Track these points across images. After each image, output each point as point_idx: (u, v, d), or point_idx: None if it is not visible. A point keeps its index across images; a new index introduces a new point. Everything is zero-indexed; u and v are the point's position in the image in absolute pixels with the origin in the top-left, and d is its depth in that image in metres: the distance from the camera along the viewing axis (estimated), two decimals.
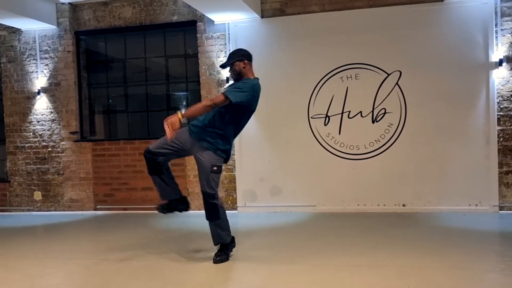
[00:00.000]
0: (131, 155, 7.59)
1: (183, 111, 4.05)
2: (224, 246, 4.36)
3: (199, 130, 4.25)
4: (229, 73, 4.38)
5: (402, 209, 6.63)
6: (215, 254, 4.34)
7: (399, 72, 6.63)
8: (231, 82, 4.73)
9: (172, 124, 3.92)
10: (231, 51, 4.38)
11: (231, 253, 4.42)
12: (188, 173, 7.36)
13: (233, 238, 4.43)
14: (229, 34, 7.16)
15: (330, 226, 6.03)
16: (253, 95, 4.20)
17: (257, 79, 4.32)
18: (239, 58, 4.24)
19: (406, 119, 6.63)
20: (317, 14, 6.90)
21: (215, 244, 4.37)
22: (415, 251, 4.50)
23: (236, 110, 4.17)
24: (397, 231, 5.50)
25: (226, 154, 4.30)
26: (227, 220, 4.34)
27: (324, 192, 6.89)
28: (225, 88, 4.32)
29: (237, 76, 4.28)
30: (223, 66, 4.39)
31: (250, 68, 4.29)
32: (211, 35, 7.26)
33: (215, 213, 4.23)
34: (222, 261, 4.27)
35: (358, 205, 6.77)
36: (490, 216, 6.17)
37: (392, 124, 6.68)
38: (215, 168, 4.21)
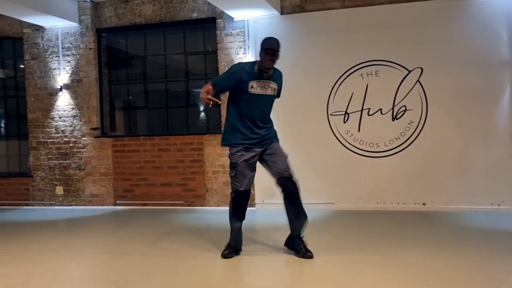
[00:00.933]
0: (151, 151, 7.66)
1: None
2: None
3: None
4: (269, 62, 4.15)
5: (422, 207, 6.55)
6: (306, 251, 4.28)
7: (420, 69, 6.54)
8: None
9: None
10: (273, 41, 4.22)
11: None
12: (207, 169, 7.39)
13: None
14: (248, 31, 7.16)
15: (348, 223, 5.99)
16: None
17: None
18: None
19: (427, 116, 6.54)
20: (337, 10, 6.85)
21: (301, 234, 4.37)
22: (435, 250, 4.44)
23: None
24: (417, 229, 5.44)
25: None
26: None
27: (343, 190, 6.85)
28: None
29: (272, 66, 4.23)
30: (277, 49, 4.15)
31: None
32: (231, 32, 7.26)
33: None
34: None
35: (378, 203, 6.71)
36: None
37: (412, 122, 6.59)
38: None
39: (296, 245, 4.33)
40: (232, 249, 4.37)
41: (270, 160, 4.30)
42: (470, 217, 5.99)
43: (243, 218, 4.39)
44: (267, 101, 4.32)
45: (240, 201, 4.30)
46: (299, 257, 4.24)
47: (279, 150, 4.35)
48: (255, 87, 4.20)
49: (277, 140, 4.43)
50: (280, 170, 4.25)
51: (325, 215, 6.48)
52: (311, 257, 4.20)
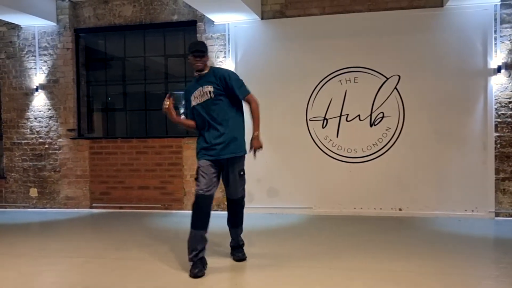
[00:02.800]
0: (128, 154, 7.58)
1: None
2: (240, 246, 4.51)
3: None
4: (195, 62, 4.20)
5: (398, 213, 6.64)
6: (241, 252, 4.47)
7: (398, 77, 6.64)
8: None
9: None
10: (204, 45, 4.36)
11: None
12: (185, 173, 7.35)
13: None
14: (229, 35, 7.16)
15: (326, 228, 6.03)
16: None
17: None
18: (207, 51, 4.30)
19: (404, 123, 6.64)
20: (317, 16, 6.91)
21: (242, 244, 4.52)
22: (411, 256, 4.51)
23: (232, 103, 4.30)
24: (393, 235, 5.51)
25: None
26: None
27: (321, 195, 6.90)
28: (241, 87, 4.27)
29: (203, 67, 4.24)
30: (201, 52, 4.20)
31: None
32: (211, 36, 7.25)
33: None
34: (244, 259, 4.43)
35: (355, 208, 6.78)
36: (486, 222, 6.18)
37: (390, 128, 6.69)
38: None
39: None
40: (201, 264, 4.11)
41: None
42: (444, 223, 6.10)
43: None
44: (210, 106, 4.19)
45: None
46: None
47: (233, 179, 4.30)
48: (194, 100, 4.25)
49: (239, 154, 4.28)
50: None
51: (303, 220, 6.51)
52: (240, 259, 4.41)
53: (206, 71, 4.26)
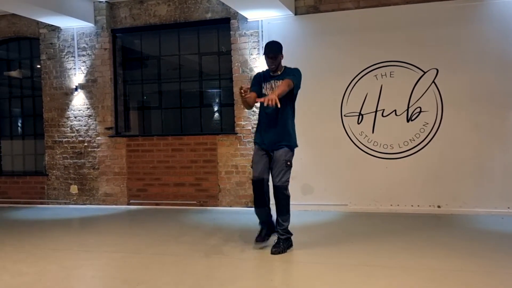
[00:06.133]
0: (164, 151, 7.69)
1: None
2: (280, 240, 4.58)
3: None
4: (269, 63, 4.60)
5: (437, 210, 6.47)
6: (273, 246, 4.53)
7: (436, 70, 6.47)
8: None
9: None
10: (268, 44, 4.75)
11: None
12: (220, 170, 7.40)
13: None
14: (262, 31, 7.15)
15: (362, 225, 5.94)
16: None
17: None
18: (281, 51, 4.64)
19: (442, 118, 6.46)
20: (351, 11, 6.81)
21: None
22: (450, 254, 4.39)
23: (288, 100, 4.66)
24: (431, 232, 5.37)
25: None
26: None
27: (356, 191, 6.80)
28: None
29: (278, 66, 4.63)
30: (274, 53, 4.56)
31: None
32: (244, 33, 7.26)
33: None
34: (279, 253, 4.46)
35: (391, 205, 6.65)
36: None
37: (427, 123, 6.53)
38: None
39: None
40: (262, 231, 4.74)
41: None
42: (485, 221, 5.91)
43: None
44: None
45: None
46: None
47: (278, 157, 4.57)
48: (265, 89, 4.65)
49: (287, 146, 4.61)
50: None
51: (338, 217, 6.44)
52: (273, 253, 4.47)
53: (280, 71, 4.64)
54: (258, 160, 4.58)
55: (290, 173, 4.57)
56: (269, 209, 4.67)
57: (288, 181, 4.55)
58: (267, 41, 7.00)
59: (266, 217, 4.69)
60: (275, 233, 4.66)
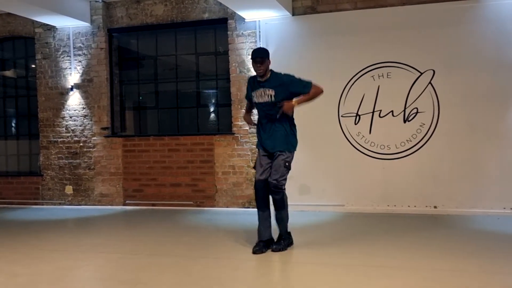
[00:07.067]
0: (161, 151, 7.66)
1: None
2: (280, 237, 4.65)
3: None
4: (256, 68, 4.59)
5: (433, 210, 6.48)
6: (274, 243, 4.60)
7: (432, 71, 6.48)
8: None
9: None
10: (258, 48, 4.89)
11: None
12: (217, 170, 7.37)
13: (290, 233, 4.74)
14: (259, 31, 7.14)
15: (359, 226, 5.94)
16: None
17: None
18: (268, 56, 4.64)
19: (439, 119, 6.48)
20: (349, 11, 6.81)
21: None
22: (447, 254, 4.39)
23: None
24: (428, 233, 5.38)
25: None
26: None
27: (354, 192, 6.80)
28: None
29: (265, 71, 4.60)
30: (261, 57, 4.56)
31: None
32: (242, 33, 7.25)
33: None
34: (279, 250, 4.54)
35: (388, 206, 6.65)
36: None
37: (424, 124, 6.54)
38: None
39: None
40: (260, 243, 4.57)
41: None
42: (482, 221, 5.92)
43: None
44: (270, 107, 4.60)
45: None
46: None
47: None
48: (255, 96, 4.67)
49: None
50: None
51: (335, 217, 6.44)
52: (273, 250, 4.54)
53: (267, 76, 4.61)
54: (260, 161, 4.65)
55: (287, 173, 4.58)
56: (269, 210, 4.64)
57: (285, 180, 4.56)
58: (265, 41, 7.09)
59: (266, 220, 4.63)
60: (271, 246, 4.60)
